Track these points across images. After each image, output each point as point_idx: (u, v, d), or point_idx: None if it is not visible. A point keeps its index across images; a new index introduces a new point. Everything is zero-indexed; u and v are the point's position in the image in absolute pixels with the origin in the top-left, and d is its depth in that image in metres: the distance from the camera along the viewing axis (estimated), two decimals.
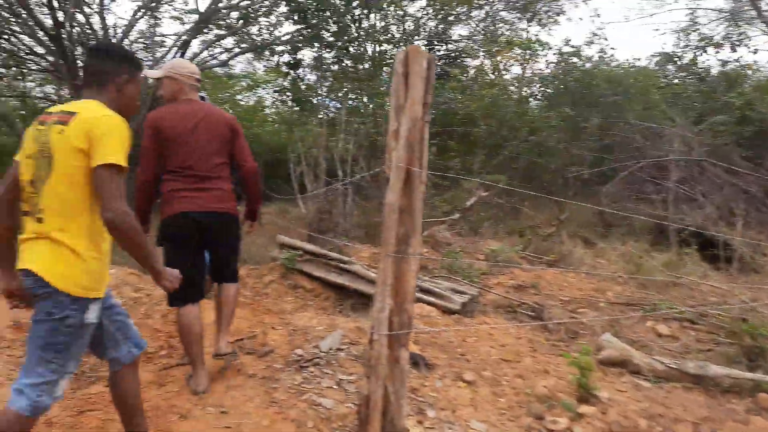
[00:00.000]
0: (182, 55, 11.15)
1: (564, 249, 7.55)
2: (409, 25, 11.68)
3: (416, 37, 11.82)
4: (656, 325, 4.83)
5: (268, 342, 3.41)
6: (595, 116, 10.09)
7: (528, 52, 11.56)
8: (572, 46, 11.53)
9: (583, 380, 3.02)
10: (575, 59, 10.91)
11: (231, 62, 12.43)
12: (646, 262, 6.78)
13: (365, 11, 8.45)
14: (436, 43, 12.22)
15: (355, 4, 8.38)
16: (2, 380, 2.52)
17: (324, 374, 3.05)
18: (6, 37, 10.73)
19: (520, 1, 12.26)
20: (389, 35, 9.81)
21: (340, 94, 9.73)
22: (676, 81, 12.67)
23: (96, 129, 1.71)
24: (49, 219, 1.74)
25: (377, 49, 9.63)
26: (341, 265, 5.14)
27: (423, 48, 2.51)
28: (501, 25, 13.09)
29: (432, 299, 4.59)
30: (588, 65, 10.93)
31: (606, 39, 18.00)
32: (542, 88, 11.93)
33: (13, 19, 10.31)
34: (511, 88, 11.89)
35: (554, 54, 11.32)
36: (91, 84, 1.91)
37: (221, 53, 12.40)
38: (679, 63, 13.17)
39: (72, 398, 2.57)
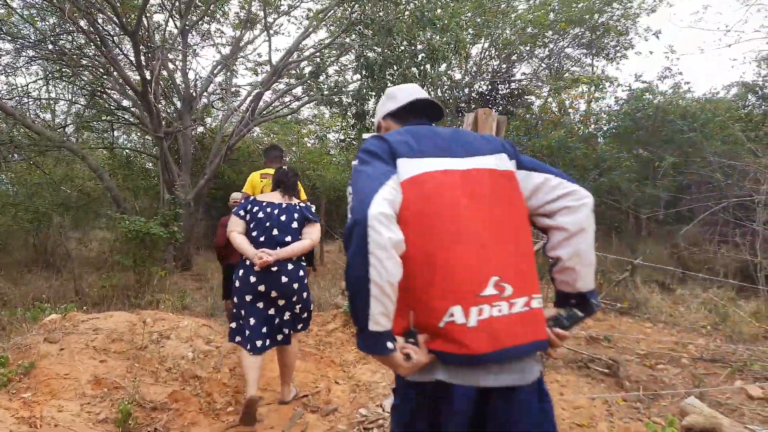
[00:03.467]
0: (256, 105, 11.76)
1: (638, 295, 7.14)
2: (472, 66, 11.78)
3: (478, 77, 11.89)
4: (747, 386, 4.42)
5: (332, 399, 3.41)
6: (669, 154, 9.63)
7: (594, 88, 11.30)
8: (643, 81, 11.17)
9: None
10: (647, 94, 10.54)
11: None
12: (732, 311, 6.27)
13: (430, 60, 8.62)
14: (498, 82, 12.22)
15: (420, 57, 8.58)
16: None
17: None
18: (98, 93, 11.79)
19: (585, 38, 12.09)
20: (453, 81, 9.91)
21: None
22: (757, 112, 11.92)
23: None
24: None
25: (440, 94, 9.75)
26: None
27: (492, 111, 2.52)
28: (566, 61, 12.93)
29: None
30: (661, 100, 10.51)
31: (681, 73, 17.33)
32: (611, 125, 11.57)
33: (106, 77, 11.33)
34: (578, 125, 11.62)
35: (624, 90, 10.98)
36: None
37: (291, 101, 13.00)
38: (760, 92, 12.43)
39: None
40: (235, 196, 4.79)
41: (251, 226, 3.19)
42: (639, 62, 34.57)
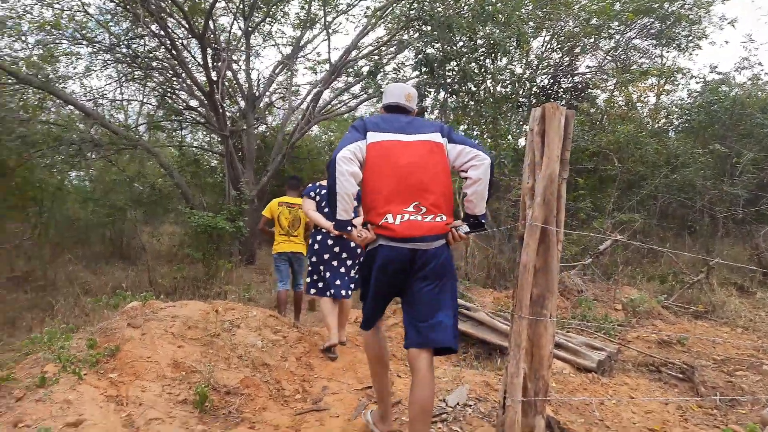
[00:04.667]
0: (316, 103, 11.99)
1: (715, 298, 6.76)
2: (533, 60, 11.49)
3: (540, 71, 11.57)
4: None
5: (394, 392, 3.44)
6: (749, 149, 9.04)
7: (665, 80, 10.76)
8: (719, 73, 10.53)
9: None
10: (723, 86, 9.93)
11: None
12: None
13: (491, 54, 8.48)
14: (561, 76, 11.85)
15: (480, 51, 8.46)
16: (164, 417, 2.80)
17: (451, 431, 3.00)
18: (168, 94, 12.36)
19: (654, 28, 11.51)
20: (514, 76, 9.71)
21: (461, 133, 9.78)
22: None
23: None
24: (298, 238, 5.57)
25: (499, 89, 9.57)
26: (464, 311, 5.07)
27: (560, 105, 2.45)
28: (633, 53, 12.35)
29: (565, 355, 4.33)
30: (739, 92, 9.88)
31: (760, 64, 16.19)
32: (683, 119, 10.97)
33: (175, 79, 11.86)
34: (647, 119, 11.10)
35: (697, 82, 10.40)
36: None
37: (349, 100, 13.14)
38: None
39: None
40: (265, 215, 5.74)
41: (322, 204, 4.31)
42: (713, 53, 32.57)
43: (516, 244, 2.59)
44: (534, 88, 10.31)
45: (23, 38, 9.78)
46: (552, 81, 11.60)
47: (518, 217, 2.57)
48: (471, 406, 3.30)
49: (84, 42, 10.47)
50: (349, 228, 2.49)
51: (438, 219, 2.47)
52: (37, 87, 9.15)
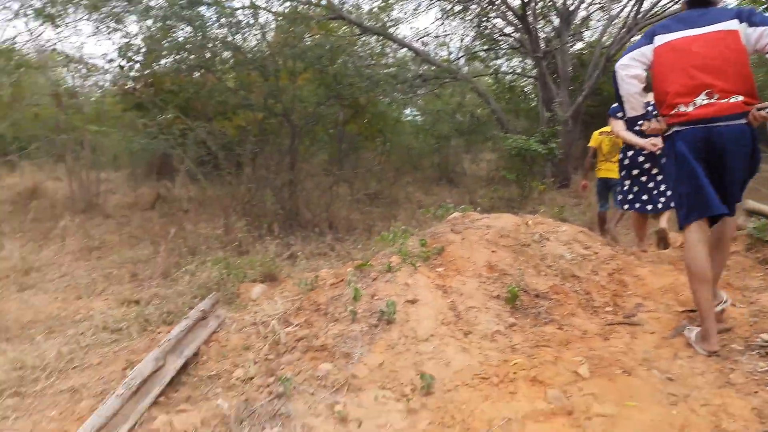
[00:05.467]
0: (639, 6, 10.61)
1: None
2: None
3: None
4: None
5: (725, 319, 3.07)
6: None
7: None
8: None
9: None
10: None
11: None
12: None
13: None
14: None
15: None
16: (480, 307, 3.21)
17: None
18: (484, 23, 12.76)
19: None
20: None
21: None
22: None
23: None
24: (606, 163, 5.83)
25: None
26: None
27: None
28: None
29: None
30: None
31: None
32: None
33: (489, 7, 12.13)
34: None
35: None
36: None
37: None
38: None
39: (531, 333, 3.03)
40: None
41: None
42: None
43: None
44: None
45: None
46: None
47: None
48: None
49: None
50: (640, 123, 2.84)
51: (733, 100, 2.48)
52: (378, 34, 10.71)
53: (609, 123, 4.92)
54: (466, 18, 13.04)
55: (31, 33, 9.45)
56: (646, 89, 3.77)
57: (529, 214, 6.74)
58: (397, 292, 3.31)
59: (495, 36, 13.06)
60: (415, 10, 12.33)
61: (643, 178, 4.61)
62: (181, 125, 7.29)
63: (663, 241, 4.56)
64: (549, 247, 4.01)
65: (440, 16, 12.75)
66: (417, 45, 12.32)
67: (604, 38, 11.82)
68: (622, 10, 11.45)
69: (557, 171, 10.54)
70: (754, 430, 2.06)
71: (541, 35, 12.16)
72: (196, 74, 7.63)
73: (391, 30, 11.54)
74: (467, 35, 13.86)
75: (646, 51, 2.68)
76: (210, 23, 6.88)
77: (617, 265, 3.98)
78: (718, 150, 2.52)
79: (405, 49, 12.07)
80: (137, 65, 7.46)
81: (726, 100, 2.47)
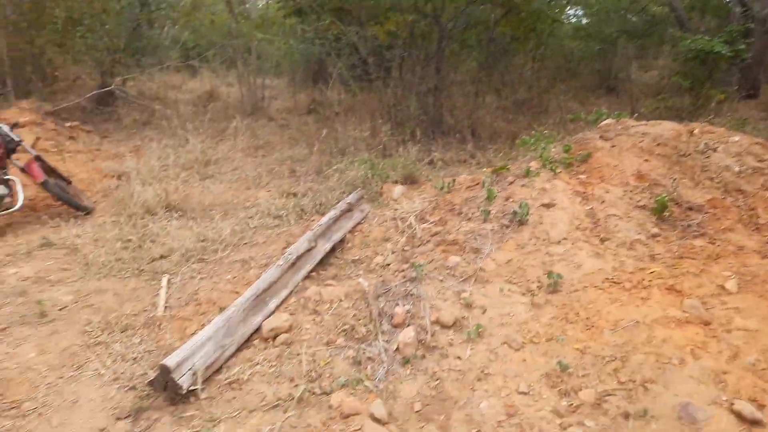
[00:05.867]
0: None
1: None
2: None
3: None
4: None
5: None
6: None
7: None
8: None
9: None
10: None
11: None
12: None
13: None
14: None
15: None
16: (621, 216, 3.06)
17: None
18: None
19: None
20: None
21: None
22: None
23: None
24: None
25: None
26: None
27: None
28: None
29: None
30: None
31: None
32: None
33: None
34: None
35: None
36: None
37: None
38: None
39: (676, 245, 2.85)
40: None
41: None
42: None
43: None
44: None
45: None
46: None
47: None
48: None
49: None
50: None
51: None
52: None
53: None
54: None
55: None
56: None
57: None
58: (533, 196, 3.28)
59: None
60: None
61: None
62: (335, 30, 7.53)
63: None
64: (714, 158, 3.59)
65: None
66: None
67: None
68: None
69: (744, 79, 8.98)
70: None
71: None
72: None
73: None
74: None
75: None
76: None
77: None
78: None
79: None
80: None
81: None
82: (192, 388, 2.23)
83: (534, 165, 3.66)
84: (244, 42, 9.27)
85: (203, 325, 2.64)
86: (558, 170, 3.52)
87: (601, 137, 3.93)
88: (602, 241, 2.91)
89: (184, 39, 11.59)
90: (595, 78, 11.76)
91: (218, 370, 2.41)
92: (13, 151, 4.41)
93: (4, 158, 4.30)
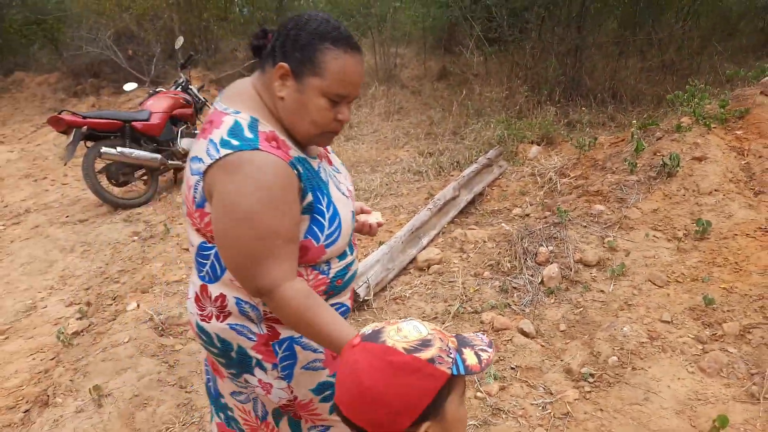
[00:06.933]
0: None
1: None
2: None
3: None
4: None
5: None
6: None
7: None
8: None
9: None
10: None
11: None
12: None
13: None
14: None
15: None
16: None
17: None
18: None
19: None
20: None
21: None
22: None
23: None
24: None
25: None
26: None
27: None
28: None
29: None
30: None
31: None
32: None
33: None
34: None
35: None
36: None
37: None
38: None
39: None
40: None
41: None
42: None
43: None
44: None
45: None
46: None
47: None
48: None
49: None
50: None
51: None
52: None
53: None
54: None
55: None
56: None
57: None
58: (684, 150, 3.27)
59: None
60: None
61: None
62: None
63: None
64: None
65: None
66: None
67: None
68: None
69: None
70: None
71: None
72: None
73: None
74: None
75: None
76: None
77: None
78: None
79: None
80: None
81: None
82: (365, 298, 2.68)
83: (686, 120, 3.60)
84: (379, 10, 9.69)
85: (366, 255, 3.09)
86: (713, 126, 3.44)
87: (762, 93, 3.74)
88: (756, 194, 2.87)
89: (321, 10, 12.34)
90: (757, 37, 10.56)
91: (384, 288, 2.84)
92: (200, 110, 5.23)
93: (194, 116, 5.12)
